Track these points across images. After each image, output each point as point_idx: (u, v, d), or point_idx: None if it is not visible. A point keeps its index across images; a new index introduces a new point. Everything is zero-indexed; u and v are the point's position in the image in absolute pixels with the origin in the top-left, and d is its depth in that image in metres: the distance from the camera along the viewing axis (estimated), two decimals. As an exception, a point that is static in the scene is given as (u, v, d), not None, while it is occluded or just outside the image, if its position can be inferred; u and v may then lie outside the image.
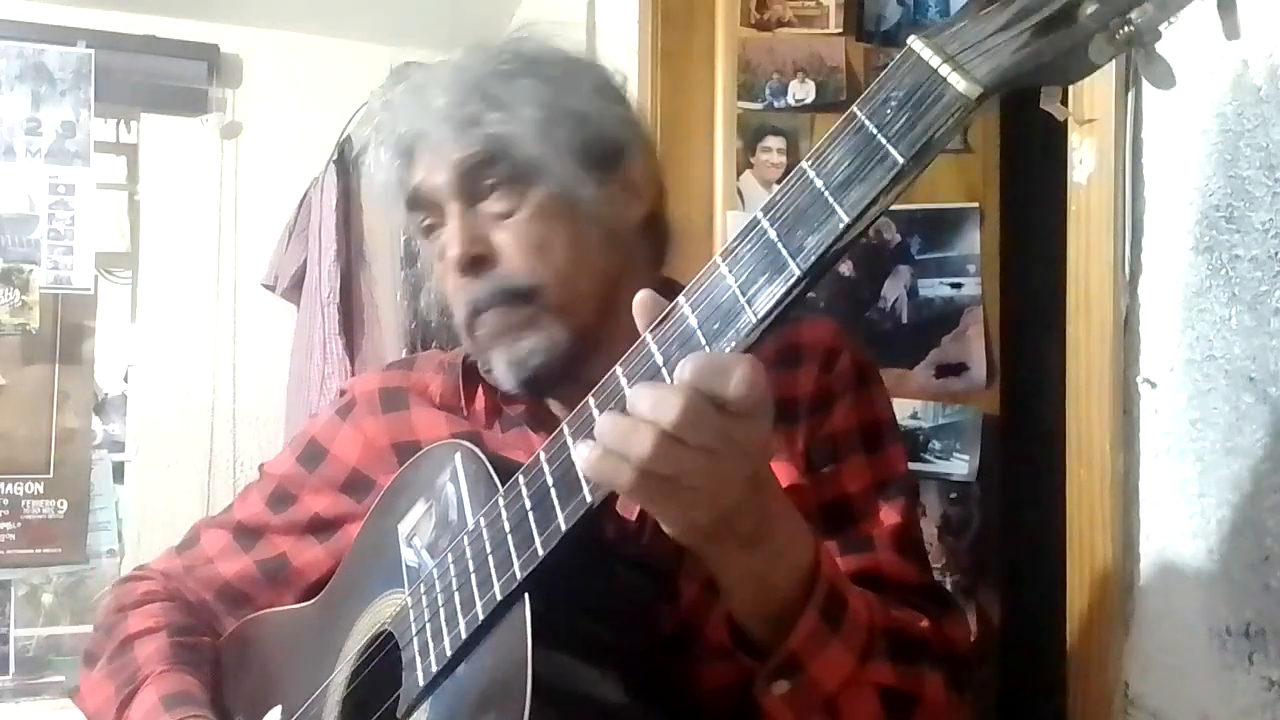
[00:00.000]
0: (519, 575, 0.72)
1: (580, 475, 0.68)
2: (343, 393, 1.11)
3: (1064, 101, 0.59)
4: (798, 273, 0.60)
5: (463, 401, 1.00)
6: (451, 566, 0.80)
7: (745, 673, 0.75)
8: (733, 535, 0.68)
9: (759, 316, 0.61)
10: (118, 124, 3.04)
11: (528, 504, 0.73)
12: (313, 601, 1.03)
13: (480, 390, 1.00)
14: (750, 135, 1.71)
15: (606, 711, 0.74)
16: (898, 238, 1.69)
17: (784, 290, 0.60)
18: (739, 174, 1.71)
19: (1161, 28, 0.55)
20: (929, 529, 1.63)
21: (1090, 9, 0.54)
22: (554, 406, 0.97)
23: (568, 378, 0.90)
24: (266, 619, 1.07)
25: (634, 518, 0.85)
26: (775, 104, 1.71)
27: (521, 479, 0.75)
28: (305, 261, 2.82)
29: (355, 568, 0.99)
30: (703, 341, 0.63)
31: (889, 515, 0.89)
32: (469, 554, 0.78)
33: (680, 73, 1.78)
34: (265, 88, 3.08)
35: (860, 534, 0.88)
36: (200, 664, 1.05)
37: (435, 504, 0.88)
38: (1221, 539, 0.93)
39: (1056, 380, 1.14)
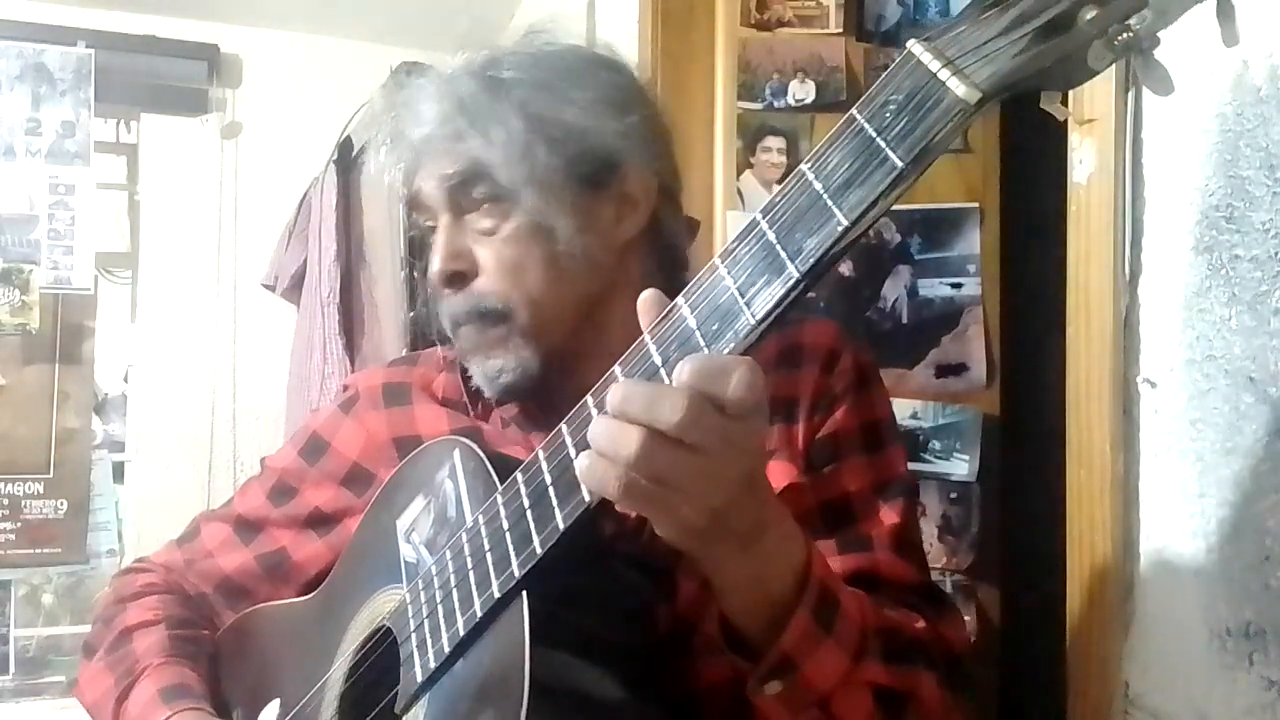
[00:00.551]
0: (517, 574, 0.73)
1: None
2: (346, 388, 1.11)
3: (1064, 102, 0.59)
4: (796, 275, 0.60)
5: (466, 398, 1.01)
6: (450, 563, 0.80)
7: (742, 669, 0.75)
8: (728, 536, 0.68)
9: (757, 318, 0.61)
10: (118, 124, 3.04)
11: (526, 502, 0.74)
12: (311, 596, 1.04)
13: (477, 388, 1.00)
14: (750, 135, 1.71)
15: (604, 708, 0.74)
16: (898, 237, 1.69)
17: (782, 292, 0.61)
18: (739, 174, 1.71)
19: (1160, 34, 0.55)
20: (929, 529, 1.63)
21: (1089, 15, 0.54)
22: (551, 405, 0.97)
23: (548, 389, 0.92)
24: (265, 613, 1.07)
25: (633, 515, 0.86)
26: (775, 104, 1.71)
27: (520, 477, 0.75)
28: (305, 261, 2.81)
29: (354, 563, 0.99)
30: (701, 342, 0.63)
31: (888, 515, 0.89)
32: (467, 551, 0.79)
33: (680, 73, 1.78)
34: (265, 88, 3.08)
35: (859, 533, 0.88)
36: (199, 657, 1.05)
37: (434, 500, 0.88)
38: (1221, 539, 0.93)
39: (1056, 380, 1.14)
